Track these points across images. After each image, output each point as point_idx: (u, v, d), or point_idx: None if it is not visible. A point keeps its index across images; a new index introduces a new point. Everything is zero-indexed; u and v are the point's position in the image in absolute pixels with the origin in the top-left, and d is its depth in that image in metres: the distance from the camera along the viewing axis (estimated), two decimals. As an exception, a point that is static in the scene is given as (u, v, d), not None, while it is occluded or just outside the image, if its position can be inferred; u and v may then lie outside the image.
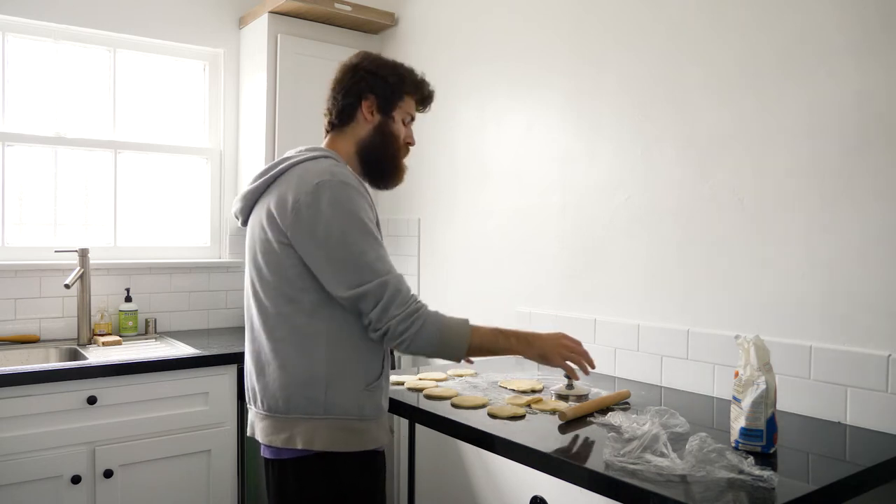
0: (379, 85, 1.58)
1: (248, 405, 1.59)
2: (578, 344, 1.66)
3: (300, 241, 1.43)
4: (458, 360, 1.54)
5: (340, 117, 1.60)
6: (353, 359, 1.48)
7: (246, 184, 1.61)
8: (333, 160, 1.52)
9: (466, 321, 1.52)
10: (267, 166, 1.56)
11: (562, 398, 1.79)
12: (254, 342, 1.54)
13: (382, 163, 1.61)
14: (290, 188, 1.46)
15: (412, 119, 1.66)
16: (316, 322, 1.46)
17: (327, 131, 1.64)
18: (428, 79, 1.69)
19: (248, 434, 1.60)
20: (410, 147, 1.66)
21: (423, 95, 1.66)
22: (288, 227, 1.43)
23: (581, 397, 1.78)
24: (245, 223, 1.61)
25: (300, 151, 1.56)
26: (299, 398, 1.45)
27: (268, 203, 1.49)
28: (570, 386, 1.82)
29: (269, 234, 1.47)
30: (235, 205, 1.61)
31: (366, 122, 1.59)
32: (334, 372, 1.46)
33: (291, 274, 1.45)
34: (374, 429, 1.51)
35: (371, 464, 1.52)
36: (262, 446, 1.54)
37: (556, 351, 1.61)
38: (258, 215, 1.52)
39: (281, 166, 1.52)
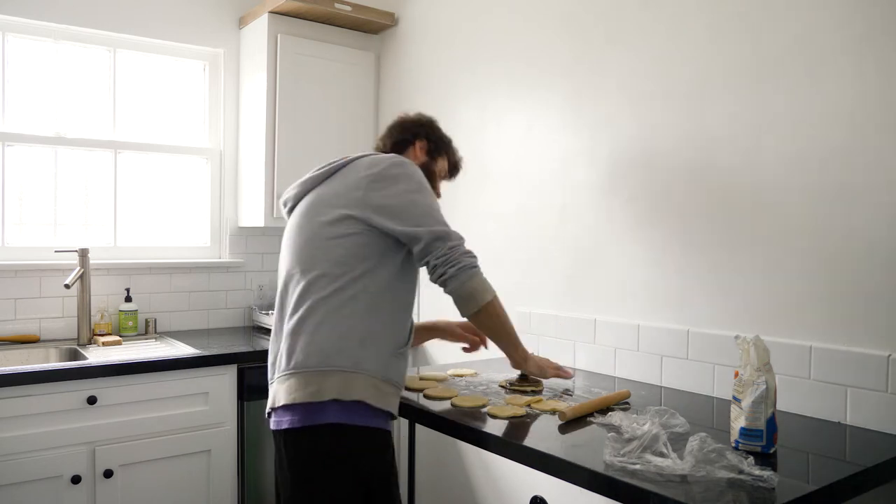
0: (433, 136, 1.88)
1: (269, 380, 1.64)
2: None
3: (379, 202, 1.58)
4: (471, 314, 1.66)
5: (394, 147, 1.85)
6: (387, 323, 1.60)
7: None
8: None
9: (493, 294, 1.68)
10: (330, 161, 1.71)
11: (516, 389, 1.87)
12: (291, 308, 1.60)
13: None
14: (361, 169, 1.63)
15: (441, 178, 1.92)
16: (360, 286, 1.57)
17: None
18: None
19: (267, 410, 1.62)
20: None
21: (456, 163, 1.94)
22: (363, 196, 1.59)
23: (537, 386, 1.88)
24: (292, 210, 1.74)
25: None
26: (335, 353, 1.53)
27: (328, 188, 1.66)
28: (522, 377, 1.90)
29: (332, 211, 1.60)
30: (291, 191, 1.76)
31: (415, 158, 1.83)
32: (370, 333, 1.56)
33: (350, 243, 1.58)
34: (394, 395, 1.60)
35: (382, 439, 1.58)
36: (276, 419, 1.57)
37: (543, 370, 1.86)
38: (312, 199, 1.68)
39: (346, 158, 1.69)
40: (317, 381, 1.50)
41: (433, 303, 2.86)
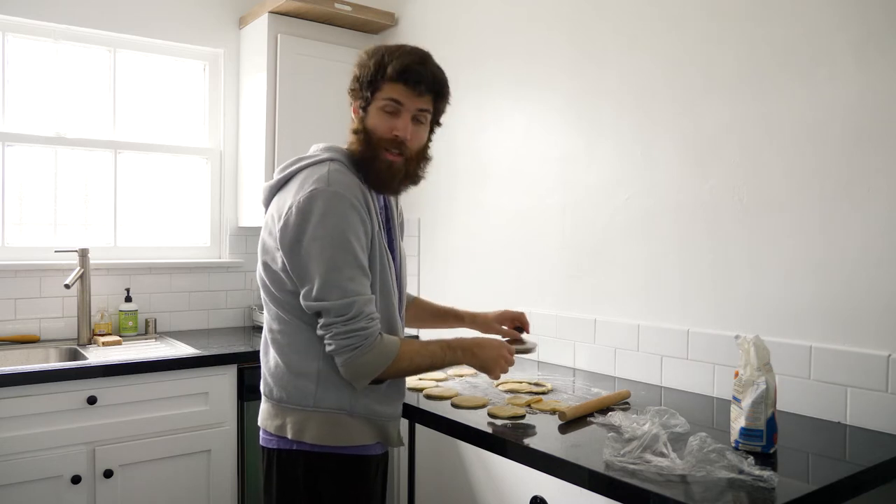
0: (353, 85, 1.51)
1: None
2: (512, 352, 1.63)
3: (284, 246, 1.42)
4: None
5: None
6: None
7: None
8: (339, 164, 1.48)
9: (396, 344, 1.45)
10: (287, 163, 1.54)
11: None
12: (264, 324, 1.55)
13: (361, 163, 1.50)
14: (290, 194, 1.45)
15: (398, 104, 1.46)
16: (315, 317, 1.44)
17: None
18: (420, 53, 1.49)
19: None
20: (402, 141, 1.47)
21: (393, 72, 1.44)
22: (279, 230, 1.42)
23: (528, 349, 1.77)
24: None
25: (316, 151, 1.54)
26: (291, 387, 1.47)
27: (276, 204, 1.49)
28: (516, 340, 1.80)
29: (271, 235, 1.47)
30: (262, 194, 1.59)
31: (359, 123, 1.52)
32: (328, 366, 1.45)
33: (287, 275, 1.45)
34: (364, 425, 1.48)
35: (353, 469, 1.48)
36: (260, 431, 1.56)
37: (498, 365, 1.57)
38: (270, 211, 1.51)
39: (294, 167, 1.50)
40: (281, 415, 1.48)
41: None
